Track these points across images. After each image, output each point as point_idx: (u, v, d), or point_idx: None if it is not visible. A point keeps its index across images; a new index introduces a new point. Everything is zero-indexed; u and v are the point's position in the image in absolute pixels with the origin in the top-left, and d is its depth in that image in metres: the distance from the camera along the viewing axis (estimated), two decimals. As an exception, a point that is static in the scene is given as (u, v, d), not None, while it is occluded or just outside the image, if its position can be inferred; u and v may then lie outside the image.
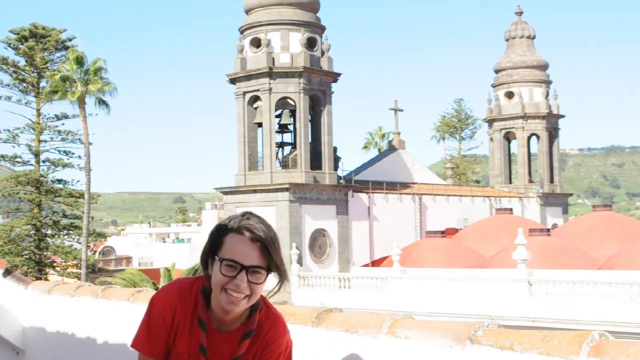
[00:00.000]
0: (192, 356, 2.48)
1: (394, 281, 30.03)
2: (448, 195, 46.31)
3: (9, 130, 45.90)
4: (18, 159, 46.54)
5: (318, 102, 39.83)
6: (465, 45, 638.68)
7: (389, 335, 2.78)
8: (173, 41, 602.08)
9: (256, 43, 39.31)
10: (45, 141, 46.54)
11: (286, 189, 37.22)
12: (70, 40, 47.05)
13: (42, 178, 45.72)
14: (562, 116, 54.26)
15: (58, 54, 46.76)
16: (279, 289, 2.63)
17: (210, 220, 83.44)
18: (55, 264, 47.04)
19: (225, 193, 39.81)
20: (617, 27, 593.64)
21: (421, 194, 44.31)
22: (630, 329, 23.27)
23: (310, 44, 39.43)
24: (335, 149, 40.54)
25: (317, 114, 40.03)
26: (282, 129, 40.51)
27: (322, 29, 40.35)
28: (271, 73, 38.26)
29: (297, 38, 38.89)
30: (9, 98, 45.97)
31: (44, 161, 46.39)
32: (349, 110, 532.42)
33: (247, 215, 2.45)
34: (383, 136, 65.33)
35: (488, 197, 49.28)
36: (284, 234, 37.19)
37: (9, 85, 46.04)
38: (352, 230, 40.13)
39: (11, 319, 4.48)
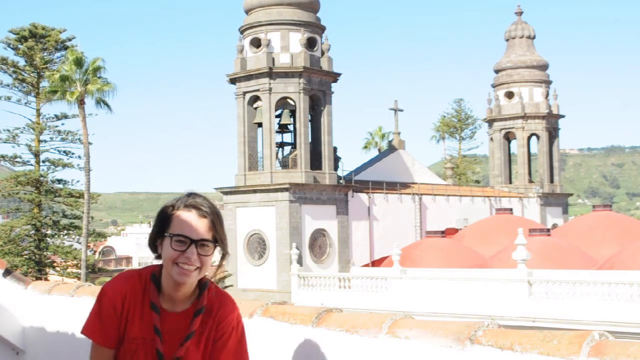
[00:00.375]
0: (147, 340, 2.56)
1: (394, 281, 30.04)
2: (448, 195, 46.33)
3: (9, 130, 45.89)
4: (18, 159, 46.52)
5: (318, 102, 39.84)
6: (465, 45, 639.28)
7: (389, 335, 2.78)
8: (173, 41, 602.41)
9: (256, 43, 39.32)
10: (45, 141, 46.53)
11: (286, 189, 37.23)
12: (69, 40, 47.03)
13: (42, 178, 45.70)
14: (562, 116, 54.29)
15: (58, 54, 46.73)
16: (222, 263, 2.73)
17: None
18: (55, 264, 47.02)
19: (225, 193, 39.82)
20: (617, 27, 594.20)
21: (421, 194, 44.33)
22: (630, 329, 23.28)
23: (310, 44, 39.45)
24: (335, 149, 40.55)
25: (317, 114, 40.04)
26: (282, 129, 40.53)
27: (322, 29, 40.37)
28: (271, 73, 38.28)
29: (297, 38, 38.91)
30: (8, 98, 45.95)
31: (43, 161, 46.38)
32: (349, 110, 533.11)
33: (192, 195, 2.60)
34: (383, 136, 65.36)
35: (488, 197, 49.30)
36: (284, 234, 37.21)
37: (8, 86, 46.03)
38: (352, 230, 40.14)
39: (11, 319, 4.48)
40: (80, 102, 39.59)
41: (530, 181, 54.15)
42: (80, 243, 44.44)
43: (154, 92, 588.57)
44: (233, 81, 39.88)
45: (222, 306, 2.66)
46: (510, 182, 54.27)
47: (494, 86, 54.82)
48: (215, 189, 41.46)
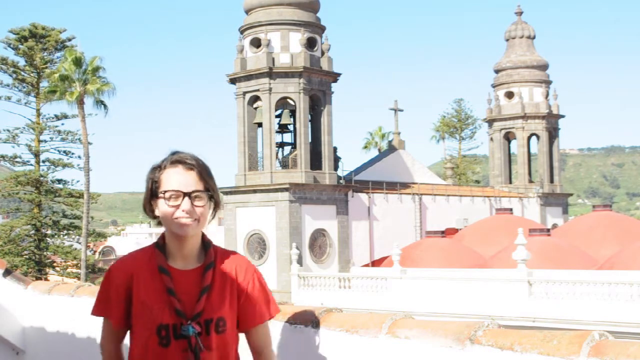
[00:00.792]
0: (162, 303, 2.57)
1: (394, 281, 30.04)
2: (448, 195, 46.32)
3: (9, 130, 45.95)
4: (18, 159, 46.57)
5: (318, 102, 39.84)
6: (465, 45, 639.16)
7: (389, 335, 2.78)
8: (173, 41, 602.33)
9: (256, 43, 39.32)
10: (45, 141, 46.59)
11: (286, 189, 37.22)
12: (69, 40, 47.09)
13: (42, 178, 45.74)
14: (562, 116, 54.27)
15: (58, 54, 46.78)
16: (214, 215, 2.77)
17: (209, 220, 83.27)
18: (55, 264, 47.06)
19: (225, 193, 39.80)
20: (617, 27, 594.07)
21: (421, 194, 44.32)
22: (630, 329, 23.29)
23: (310, 44, 39.44)
24: (335, 149, 40.54)
25: (317, 114, 40.04)
26: (282, 129, 40.52)
27: (322, 29, 40.36)
28: (271, 73, 38.27)
29: (297, 38, 38.90)
30: (8, 98, 46.02)
31: (43, 161, 46.43)
32: (349, 110, 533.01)
33: (176, 152, 2.66)
34: (383, 136, 65.36)
35: (488, 197, 49.29)
36: (284, 234, 37.21)
37: (8, 86, 46.08)
38: (352, 230, 40.14)
39: (11, 319, 4.48)
40: (80, 102, 39.60)
41: (530, 181, 54.13)
42: (80, 243, 44.46)
43: (154, 92, 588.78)
44: (233, 81, 39.88)
45: (231, 256, 2.73)
46: (510, 182, 54.25)
47: (494, 86, 54.81)
48: (215, 189, 41.39)
